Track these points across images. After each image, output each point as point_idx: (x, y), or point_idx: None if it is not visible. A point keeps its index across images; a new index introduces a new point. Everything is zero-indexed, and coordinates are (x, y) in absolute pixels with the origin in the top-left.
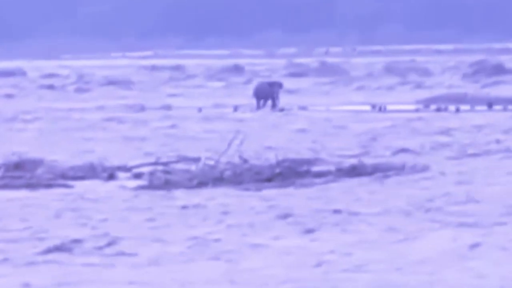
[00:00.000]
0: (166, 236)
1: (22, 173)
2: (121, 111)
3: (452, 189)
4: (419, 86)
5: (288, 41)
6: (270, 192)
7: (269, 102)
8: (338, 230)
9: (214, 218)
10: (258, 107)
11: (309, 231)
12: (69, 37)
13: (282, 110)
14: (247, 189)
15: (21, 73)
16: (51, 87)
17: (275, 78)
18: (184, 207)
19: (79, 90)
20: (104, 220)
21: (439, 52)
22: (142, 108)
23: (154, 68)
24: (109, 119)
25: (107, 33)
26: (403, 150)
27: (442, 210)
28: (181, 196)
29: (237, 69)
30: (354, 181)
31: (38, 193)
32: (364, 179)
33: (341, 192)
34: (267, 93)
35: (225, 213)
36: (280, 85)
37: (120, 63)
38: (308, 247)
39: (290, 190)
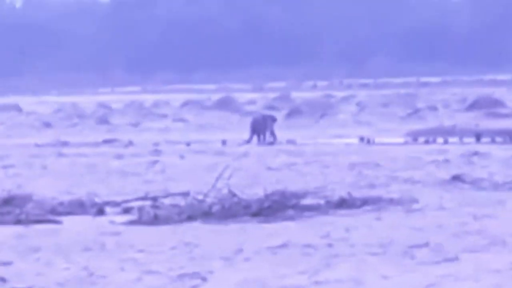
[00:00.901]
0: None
1: (11, 209)
2: (108, 146)
3: (443, 222)
4: (407, 118)
5: (277, 75)
6: (257, 226)
7: (267, 136)
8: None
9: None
10: (256, 140)
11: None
12: (58, 73)
13: (271, 143)
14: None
15: (17, 108)
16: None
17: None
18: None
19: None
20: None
21: (427, 84)
22: (130, 143)
23: (140, 103)
24: (97, 154)
25: (95, 68)
26: (391, 183)
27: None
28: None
29: (226, 103)
30: (343, 214)
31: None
32: (354, 212)
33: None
34: (264, 127)
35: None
36: (274, 119)
37: (107, 99)
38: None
39: (277, 224)
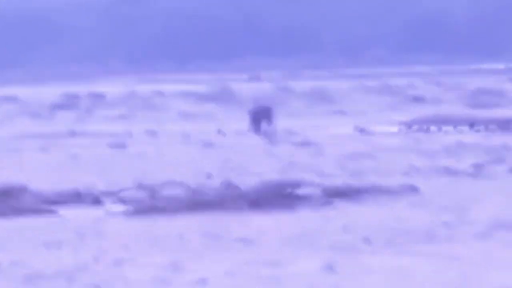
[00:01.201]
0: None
1: (8, 200)
2: (106, 137)
3: (440, 213)
4: (401, 107)
5: (273, 65)
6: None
7: (265, 125)
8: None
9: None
10: (255, 130)
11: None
12: (57, 65)
13: (260, 133)
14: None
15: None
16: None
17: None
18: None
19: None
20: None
21: (423, 74)
22: (129, 134)
23: (137, 93)
24: (95, 145)
25: (92, 59)
26: (387, 172)
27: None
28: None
29: (223, 93)
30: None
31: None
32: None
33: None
34: (263, 117)
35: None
36: (272, 109)
37: (104, 89)
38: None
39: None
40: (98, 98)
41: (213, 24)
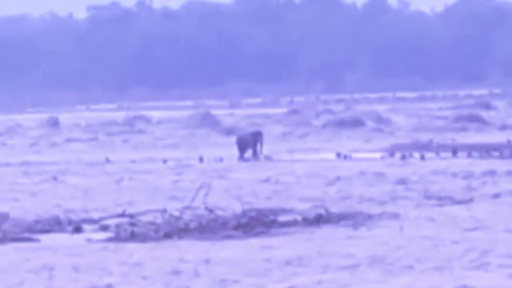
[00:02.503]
0: None
1: None
2: (85, 164)
3: (418, 239)
4: (384, 134)
5: (253, 92)
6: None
7: (251, 152)
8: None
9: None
10: (241, 157)
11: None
12: (35, 90)
13: (247, 160)
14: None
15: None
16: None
17: (240, 128)
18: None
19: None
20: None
21: (403, 99)
22: (107, 161)
23: (116, 119)
24: (74, 173)
25: (72, 85)
26: (369, 198)
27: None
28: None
29: (203, 120)
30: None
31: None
32: (330, 228)
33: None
34: (249, 143)
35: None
36: (261, 134)
37: (84, 116)
38: None
39: (254, 240)
40: (76, 124)
41: (193, 50)
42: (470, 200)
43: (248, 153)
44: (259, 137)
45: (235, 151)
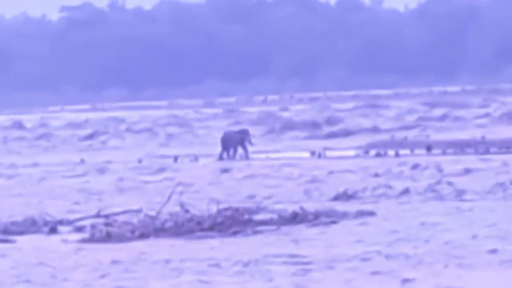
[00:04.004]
0: None
1: None
2: (58, 166)
3: (393, 237)
4: (358, 131)
5: (227, 91)
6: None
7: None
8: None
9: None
10: (221, 157)
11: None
12: (9, 92)
13: (222, 159)
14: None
15: None
16: None
17: (215, 127)
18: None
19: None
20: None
21: (378, 97)
22: (82, 161)
23: (91, 120)
24: (47, 173)
25: (45, 86)
26: (344, 196)
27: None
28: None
29: (176, 120)
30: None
31: None
32: (305, 227)
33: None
34: (234, 142)
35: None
36: (248, 132)
37: (57, 116)
38: None
39: (230, 239)
40: (50, 125)
41: (167, 50)
42: (441, 197)
43: (236, 150)
44: (246, 135)
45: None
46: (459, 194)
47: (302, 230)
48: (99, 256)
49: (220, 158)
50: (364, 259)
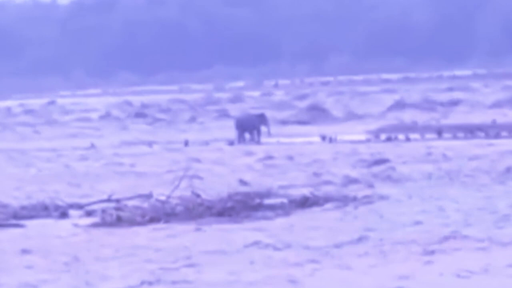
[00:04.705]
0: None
1: None
2: (72, 149)
3: (404, 219)
4: (369, 116)
5: (238, 75)
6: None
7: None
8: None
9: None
10: (240, 140)
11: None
12: (19, 77)
13: (232, 144)
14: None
15: None
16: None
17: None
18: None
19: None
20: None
21: (388, 81)
22: (93, 146)
23: (102, 104)
24: (59, 157)
25: (56, 71)
26: (355, 180)
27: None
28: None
29: (183, 104)
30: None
31: None
32: (316, 211)
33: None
34: (251, 125)
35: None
36: (264, 117)
37: (68, 101)
38: None
39: (240, 224)
40: (61, 109)
41: (177, 34)
42: (451, 182)
43: (247, 136)
44: (264, 120)
45: (233, 133)
46: (470, 177)
47: (312, 214)
48: (109, 240)
49: (239, 141)
50: (375, 245)
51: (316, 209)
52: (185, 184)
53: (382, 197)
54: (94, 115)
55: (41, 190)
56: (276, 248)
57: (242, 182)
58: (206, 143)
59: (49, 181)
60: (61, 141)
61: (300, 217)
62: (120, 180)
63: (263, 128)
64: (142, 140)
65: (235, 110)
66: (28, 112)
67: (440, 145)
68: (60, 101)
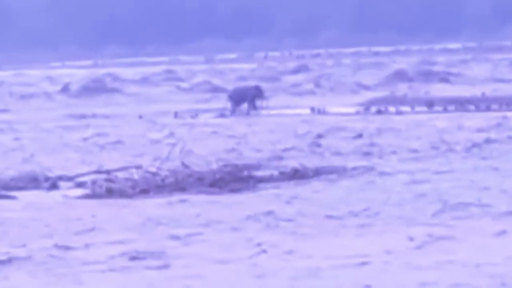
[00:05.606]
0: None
1: None
2: (62, 120)
3: (398, 190)
4: (359, 88)
5: (227, 48)
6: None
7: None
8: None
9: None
10: (233, 112)
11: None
12: (7, 50)
13: (223, 115)
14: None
15: None
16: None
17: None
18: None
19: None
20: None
21: (378, 54)
22: (82, 116)
23: (92, 76)
24: (51, 128)
25: (45, 44)
26: (344, 152)
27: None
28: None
29: (172, 74)
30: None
31: None
32: (306, 183)
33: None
34: (246, 97)
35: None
36: (259, 89)
37: (60, 73)
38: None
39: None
40: (52, 81)
41: (167, 6)
42: (437, 155)
43: (245, 106)
44: (258, 92)
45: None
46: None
47: (302, 186)
48: (99, 210)
49: (232, 113)
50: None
51: (306, 181)
52: (176, 155)
53: (372, 169)
54: (86, 86)
55: (30, 162)
56: (268, 221)
57: (232, 154)
58: (196, 114)
59: (38, 152)
60: (50, 112)
61: (289, 190)
62: (110, 151)
63: (258, 101)
64: (131, 111)
65: (226, 82)
66: (18, 83)
67: (430, 117)
68: (49, 72)
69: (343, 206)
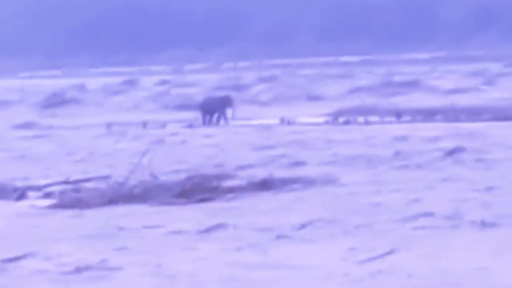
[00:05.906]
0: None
1: None
2: (24, 131)
3: (361, 200)
4: (327, 98)
5: (196, 58)
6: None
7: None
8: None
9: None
10: (204, 122)
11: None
12: None
13: (190, 126)
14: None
15: None
16: None
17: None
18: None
19: None
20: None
21: (347, 64)
22: (50, 127)
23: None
24: (16, 138)
25: (14, 53)
26: (312, 163)
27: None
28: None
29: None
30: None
31: None
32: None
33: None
34: (215, 107)
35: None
36: (230, 99)
37: (27, 83)
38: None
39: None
40: (19, 91)
41: (137, 15)
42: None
43: (214, 117)
44: (229, 102)
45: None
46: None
47: (270, 197)
48: (66, 221)
49: (203, 123)
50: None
51: (274, 191)
52: (144, 166)
53: (337, 180)
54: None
55: None
56: (235, 230)
57: (201, 164)
58: (164, 124)
59: (5, 162)
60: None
61: (257, 200)
62: (78, 161)
63: (229, 111)
64: (100, 122)
65: (194, 92)
66: None
67: (399, 127)
68: (15, 82)
69: (310, 216)
